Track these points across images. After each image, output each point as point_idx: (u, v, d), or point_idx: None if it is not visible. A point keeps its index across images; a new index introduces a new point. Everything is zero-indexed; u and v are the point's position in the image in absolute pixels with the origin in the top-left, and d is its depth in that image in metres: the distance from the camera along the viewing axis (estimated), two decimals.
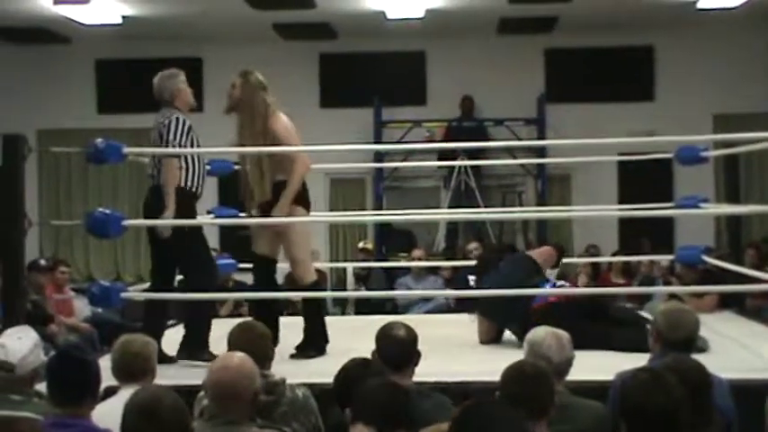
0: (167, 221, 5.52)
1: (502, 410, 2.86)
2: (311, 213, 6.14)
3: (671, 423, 2.89)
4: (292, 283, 6.25)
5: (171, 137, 5.55)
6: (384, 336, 3.97)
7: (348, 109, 12.61)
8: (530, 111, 12.27)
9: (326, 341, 5.86)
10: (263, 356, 3.88)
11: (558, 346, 3.86)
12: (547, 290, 6.00)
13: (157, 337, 5.47)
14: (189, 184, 5.63)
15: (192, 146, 5.63)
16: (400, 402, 3.17)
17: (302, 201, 5.85)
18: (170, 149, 5.57)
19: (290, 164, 5.77)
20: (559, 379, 3.76)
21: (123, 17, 11.31)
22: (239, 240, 6.15)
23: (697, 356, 3.85)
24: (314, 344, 5.80)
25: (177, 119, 5.60)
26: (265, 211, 5.83)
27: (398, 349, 3.93)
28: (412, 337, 3.98)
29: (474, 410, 2.80)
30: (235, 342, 3.92)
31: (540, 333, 3.94)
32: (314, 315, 5.89)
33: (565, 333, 3.96)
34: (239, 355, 3.46)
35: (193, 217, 5.70)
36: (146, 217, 5.73)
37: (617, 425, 3.63)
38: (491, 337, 6.27)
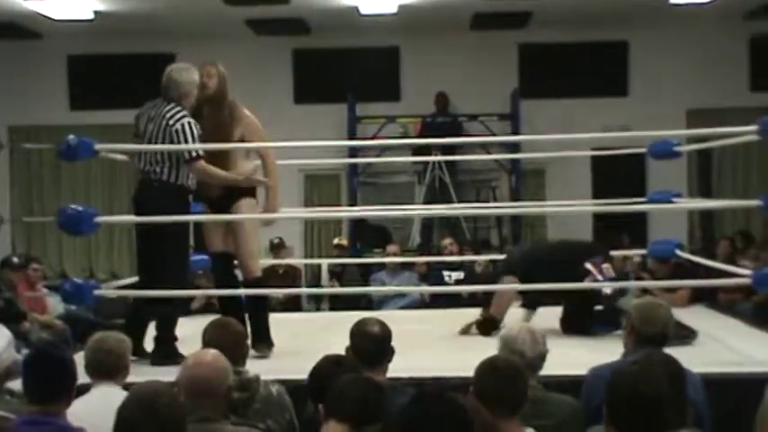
0: (145, 218, 5.50)
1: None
2: (285, 210, 6.13)
3: (656, 416, 2.91)
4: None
5: (190, 143, 5.49)
6: (358, 332, 3.97)
7: (322, 105, 12.58)
8: (504, 106, 12.31)
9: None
10: (238, 353, 3.88)
11: (531, 341, 3.87)
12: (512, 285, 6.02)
13: (143, 331, 5.51)
14: (187, 181, 5.61)
15: None
16: (374, 397, 3.17)
17: (251, 192, 5.88)
18: (148, 146, 5.56)
19: (259, 155, 5.89)
20: (533, 374, 3.77)
21: (95, 12, 11.22)
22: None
23: (669, 350, 3.87)
24: (267, 338, 5.76)
25: (190, 123, 5.52)
26: (216, 206, 5.82)
27: (373, 345, 3.93)
28: (386, 334, 3.99)
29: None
30: (209, 339, 3.91)
31: (513, 328, 3.95)
32: (262, 311, 5.84)
33: (538, 328, 3.98)
34: (212, 352, 3.46)
35: (188, 214, 5.67)
36: (140, 213, 5.63)
37: (589, 419, 3.66)
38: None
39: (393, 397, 3.57)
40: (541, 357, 3.90)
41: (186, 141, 5.49)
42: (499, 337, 3.96)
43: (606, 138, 11.02)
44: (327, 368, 3.64)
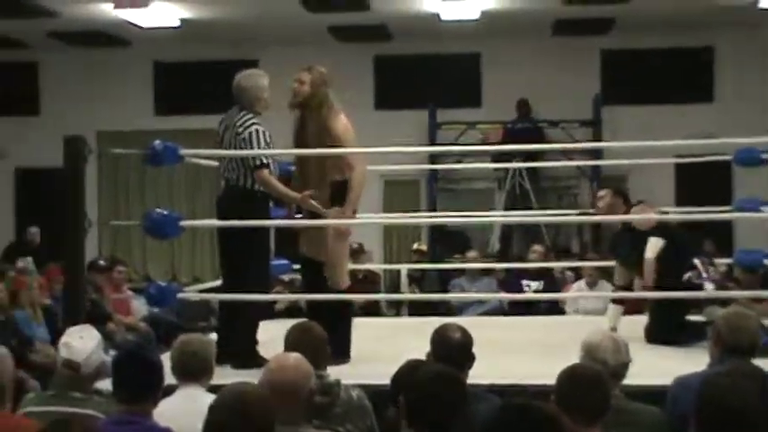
0: (227, 222, 5.56)
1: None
2: (363, 216, 6.08)
3: (745, 429, 2.86)
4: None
5: (258, 150, 5.51)
6: (439, 338, 3.96)
7: (403, 111, 12.64)
8: (586, 112, 12.19)
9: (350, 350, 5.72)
10: (320, 357, 3.89)
11: (614, 349, 3.81)
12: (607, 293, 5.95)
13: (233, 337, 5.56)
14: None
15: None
16: (452, 395, 3.12)
17: (343, 200, 5.70)
18: (226, 152, 5.60)
19: (346, 165, 5.71)
20: (615, 382, 3.72)
21: (181, 20, 11.41)
22: (294, 240, 6.12)
23: (758, 362, 3.80)
24: (343, 350, 5.59)
25: (257, 131, 5.53)
26: (308, 212, 5.77)
27: (454, 352, 3.91)
28: (467, 340, 3.96)
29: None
30: (292, 343, 3.93)
31: (596, 336, 3.90)
32: (344, 322, 5.72)
33: (621, 336, 3.93)
34: (295, 356, 3.47)
35: (266, 218, 5.71)
36: (220, 217, 5.70)
37: (673, 429, 3.60)
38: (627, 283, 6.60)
39: (474, 403, 3.55)
40: (624, 366, 3.84)
41: (252, 149, 5.52)
42: (581, 344, 3.91)
43: (690, 144, 10.84)
44: (409, 374, 3.64)
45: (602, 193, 6.88)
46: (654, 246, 6.28)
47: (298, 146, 5.79)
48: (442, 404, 3.10)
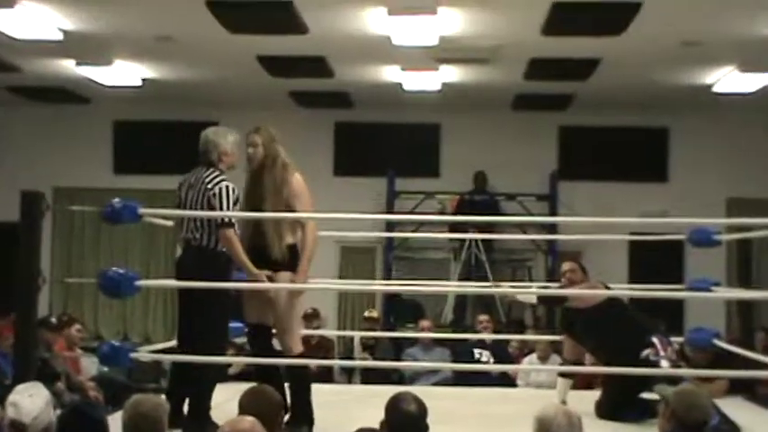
0: (184, 283, 5.52)
1: None
2: (320, 281, 6.03)
3: None
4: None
5: (225, 207, 5.48)
6: (393, 408, 3.94)
7: (361, 178, 12.69)
8: (542, 187, 12.33)
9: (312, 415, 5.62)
10: (273, 422, 3.87)
11: (568, 424, 3.81)
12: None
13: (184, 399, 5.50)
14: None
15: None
16: None
17: (291, 266, 5.61)
18: (188, 212, 5.57)
19: (300, 225, 5.63)
20: None
21: (143, 80, 11.41)
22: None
23: None
24: (305, 417, 5.55)
25: (227, 188, 5.52)
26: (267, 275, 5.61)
27: (408, 422, 3.90)
28: (422, 411, 3.95)
29: None
30: (245, 407, 3.91)
31: (549, 410, 3.90)
32: (301, 388, 5.62)
33: (575, 411, 3.93)
34: (249, 419, 3.46)
35: (230, 280, 5.67)
36: (180, 278, 5.64)
37: None
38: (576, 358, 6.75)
39: None
40: None
41: (221, 205, 5.49)
42: (534, 419, 3.90)
43: (645, 223, 10.99)
44: None
45: (566, 266, 6.90)
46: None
47: (250, 204, 5.66)
48: None
